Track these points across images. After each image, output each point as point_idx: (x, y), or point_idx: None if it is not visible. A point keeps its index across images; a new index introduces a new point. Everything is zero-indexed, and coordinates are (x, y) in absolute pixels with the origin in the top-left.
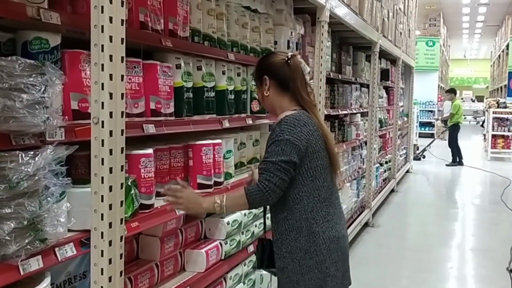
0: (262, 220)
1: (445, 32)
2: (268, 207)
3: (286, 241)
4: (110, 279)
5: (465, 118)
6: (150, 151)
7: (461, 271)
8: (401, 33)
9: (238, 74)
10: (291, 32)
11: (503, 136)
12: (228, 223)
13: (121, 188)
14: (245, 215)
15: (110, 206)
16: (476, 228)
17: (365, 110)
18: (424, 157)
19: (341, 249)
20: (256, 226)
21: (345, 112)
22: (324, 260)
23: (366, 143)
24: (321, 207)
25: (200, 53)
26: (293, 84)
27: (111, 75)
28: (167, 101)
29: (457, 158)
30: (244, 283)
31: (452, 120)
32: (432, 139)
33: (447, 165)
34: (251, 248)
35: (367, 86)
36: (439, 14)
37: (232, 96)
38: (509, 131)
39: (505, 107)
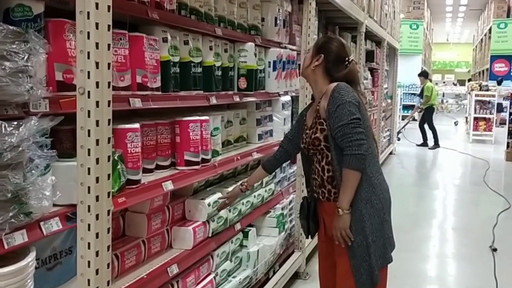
0: (249, 199)
1: (428, 16)
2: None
3: None
4: (97, 253)
5: (447, 101)
6: (137, 125)
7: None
8: (386, 14)
9: (225, 50)
10: (279, 9)
11: (484, 119)
12: (209, 205)
13: (108, 161)
14: None
15: (97, 179)
16: (458, 208)
17: None
18: (399, 139)
19: (390, 198)
20: (243, 204)
21: None
22: (382, 207)
23: None
24: (374, 163)
25: (187, 27)
26: (342, 75)
27: (97, 44)
28: (153, 75)
29: (437, 140)
30: (231, 261)
31: (426, 103)
32: (405, 122)
33: (417, 145)
34: (238, 226)
35: None
36: None
37: (219, 73)
38: (490, 113)
39: (487, 90)
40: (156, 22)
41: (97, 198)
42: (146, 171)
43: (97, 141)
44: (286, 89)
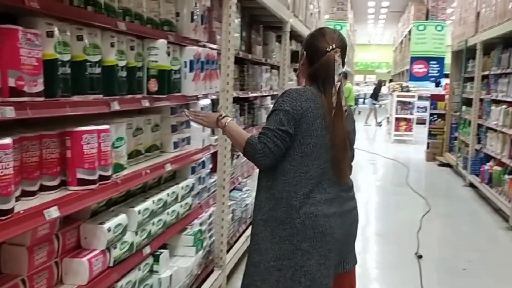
0: (161, 217)
1: (352, 17)
2: None
3: (264, 209)
4: None
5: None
6: (7, 141)
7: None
8: (311, 14)
9: (132, 48)
10: (196, 3)
11: (405, 119)
12: (109, 230)
13: None
14: (139, 212)
15: None
16: (381, 212)
17: (275, 92)
18: None
19: (319, 227)
20: (153, 224)
21: (255, 94)
22: (297, 233)
23: None
24: (306, 184)
25: (81, 19)
26: (313, 70)
27: None
28: (33, 77)
29: None
30: None
31: None
32: None
33: None
34: (148, 250)
35: (278, 68)
36: None
37: (124, 73)
38: (411, 114)
39: (408, 91)
40: (40, 13)
41: None
42: (26, 194)
43: None
44: (205, 91)
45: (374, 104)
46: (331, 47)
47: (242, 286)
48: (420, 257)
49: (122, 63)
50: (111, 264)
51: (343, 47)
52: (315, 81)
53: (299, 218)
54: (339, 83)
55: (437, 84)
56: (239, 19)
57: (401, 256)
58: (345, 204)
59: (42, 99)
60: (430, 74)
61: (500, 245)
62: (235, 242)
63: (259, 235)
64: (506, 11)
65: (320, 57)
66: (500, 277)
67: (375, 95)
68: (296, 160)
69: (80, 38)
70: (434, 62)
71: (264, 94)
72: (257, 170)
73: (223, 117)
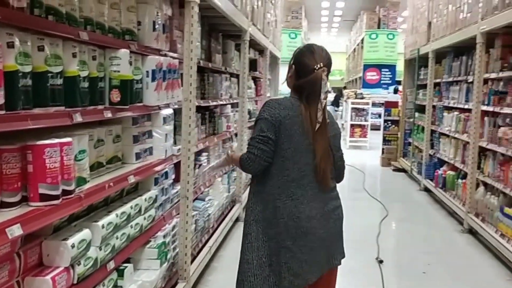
0: (125, 230)
1: (306, 25)
2: None
3: (255, 211)
4: None
5: None
6: None
7: None
8: (268, 23)
9: (94, 58)
10: (157, 12)
11: (360, 126)
12: (73, 246)
13: None
14: (103, 227)
15: None
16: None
17: (235, 101)
18: None
19: (301, 227)
20: (117, 238)
21: (216, 103)
22: (281, 232)
23: (236, 135)
24: (288, 186)
25: (42, 29)
26: (299, 84)
27: None
28: None
29: None
30: None
31: None
32: None
33: None
34: (112, 265)
35: (237, 76)
36: (300, 8)
37: (86, 84)
38: (365, 120)
39: (362, 98)
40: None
41: None
42: None
43: None
44: (167, 101)
45: (336, 111)
46: (318, 65)
47: (237, 282)
48: (381, 262)
49: (84, 74)
50: (75, 282)
51: (329, 65)
52: (300, 93)
53: (283, 218)
54: (325, 100)
55: (395, 91)
56: (199, 28)
57: (362, 261)
58: (329, 204)
59: (3, 112)
60: (382, 81)
61: (457, 248)
62: (198, 253)
63: (252, 234)
64: (457, 21)
65: (307, 73)
66: (458, 279)
67: (337, 102)
68: (279, 164)
69: (41, 49)
70: (386, 70)
71: (224, 102)
72: (219, 179)
73: (231, 152)
